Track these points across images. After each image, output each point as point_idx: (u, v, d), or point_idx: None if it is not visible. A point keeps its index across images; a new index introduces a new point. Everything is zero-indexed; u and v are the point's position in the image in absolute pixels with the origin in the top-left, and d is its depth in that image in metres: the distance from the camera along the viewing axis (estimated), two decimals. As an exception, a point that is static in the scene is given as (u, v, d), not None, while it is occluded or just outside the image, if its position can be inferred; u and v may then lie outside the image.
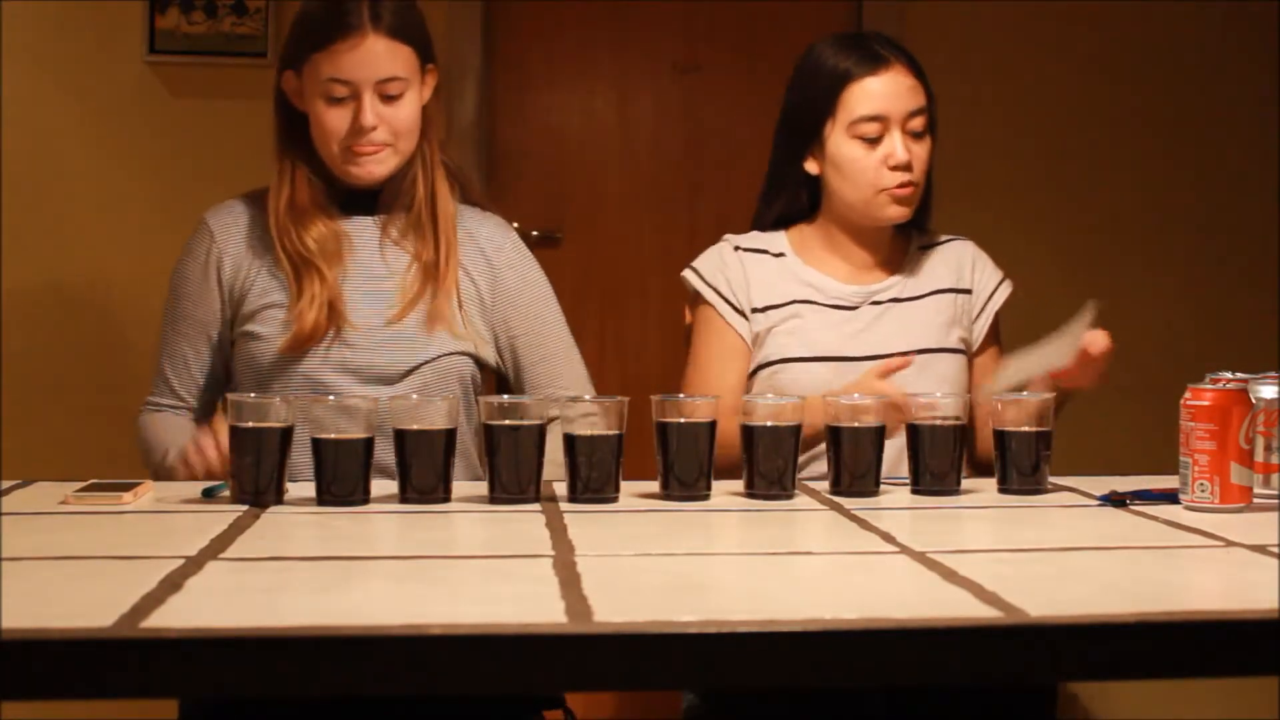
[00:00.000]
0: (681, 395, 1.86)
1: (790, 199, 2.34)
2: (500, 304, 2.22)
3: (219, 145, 3.42)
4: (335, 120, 2.07)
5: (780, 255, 2.32)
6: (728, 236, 2.36)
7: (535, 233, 3.71)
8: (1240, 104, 3.81)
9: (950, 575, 1.31)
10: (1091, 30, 3.79)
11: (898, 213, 2.26)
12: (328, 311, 2.09)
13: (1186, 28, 3.80)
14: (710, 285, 2.31)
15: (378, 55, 2.06)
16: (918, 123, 2.24)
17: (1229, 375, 1.77)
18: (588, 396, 2.10)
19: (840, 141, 2.24)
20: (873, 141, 2.22)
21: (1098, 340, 2.07)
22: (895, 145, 2.22)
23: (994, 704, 1.98)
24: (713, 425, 1.80)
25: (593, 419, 1.77)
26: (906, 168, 2.22)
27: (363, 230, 2.17)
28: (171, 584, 1.25)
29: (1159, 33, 3.80)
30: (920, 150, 2.25)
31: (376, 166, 2.11)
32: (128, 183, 3.53)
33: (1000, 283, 2.37)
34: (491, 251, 2.22)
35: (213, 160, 3.39)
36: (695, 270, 2.33)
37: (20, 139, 3.49)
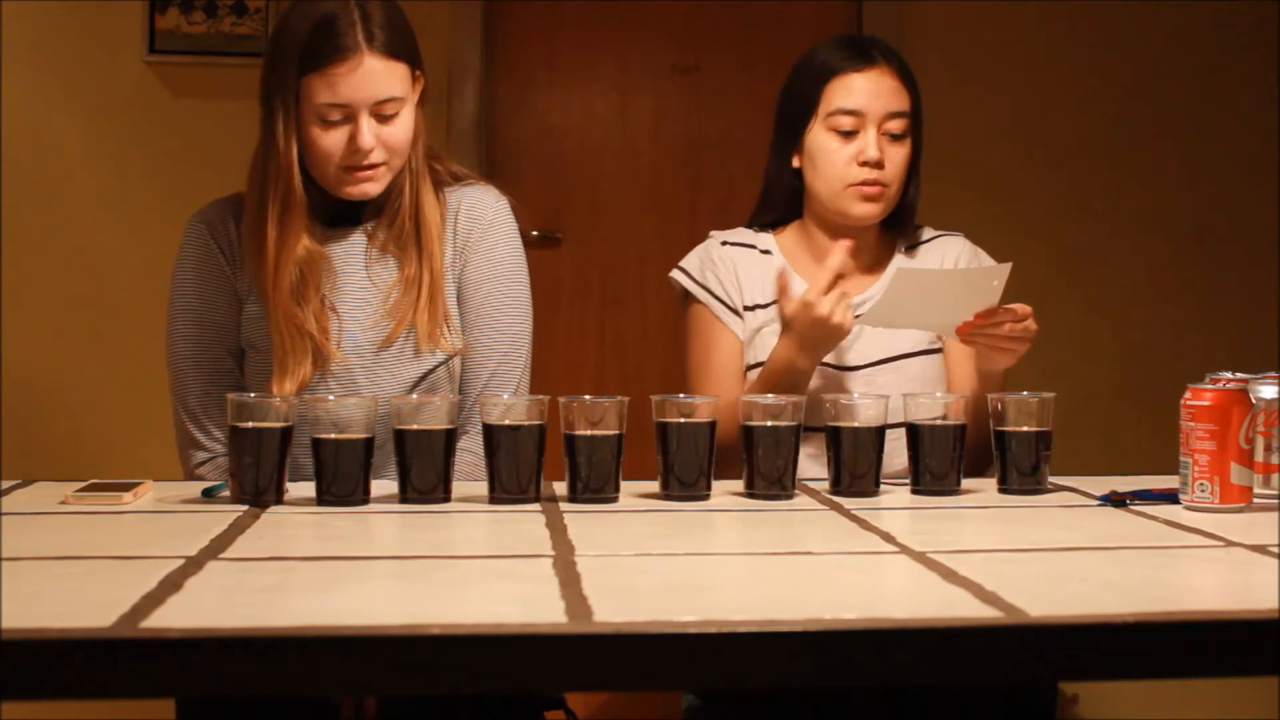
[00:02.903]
0: (682, 395, 1.86)
1: (785, 201, 2.33)
2: (464, 272, 2.17)
3: (219, 145, 3.41)
4: (330, 143, 2.03)
5: (767, 252, 2.32)
6: (714, 233, 2.35)
7: (535, 233, 3.71)
8: (1240, 104, 3.81)
9: (950, 575, 1.31)
10: (1091, 30, 3.79)
11: (864, 210, 2.24)
12: (312, 359, 2.07)
13: (1187, 27, 3.80)
14: (701, 285, 2.30)
15: (375, 77, 2.00)
16: (896, 125, 2.24)
17: (1229, 375, 1.77)
18: (506, 395, 2.09)
19: (818, 134, 2.25)
20: (847, 135, 2.23)
21: (1013, 311, 2.02)
22: (868, 142, 2.22)
23: (994, 704, 1.98)
24: (713, 425, 1.80)
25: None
26: (877, 165, 2.22)
27: (350, 246, 2.13)
28: (171, 584, 1.25)
29: (1159, 32, 3.80)
30: (896, 153, 2.24)
31: (372, 185, 2.07)
32: (128, 183, 3.53)
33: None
34: (472, 220, 2.16)
35: (213, 160, 3.39)
36: (684, 270, 2.33)
37: (20, 139, 3.50)
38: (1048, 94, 3.79)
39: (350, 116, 2.02)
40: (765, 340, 2.26)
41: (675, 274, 2.33)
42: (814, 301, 2.06)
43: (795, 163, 2.29)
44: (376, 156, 2.04)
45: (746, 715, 2.02)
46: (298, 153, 2.05)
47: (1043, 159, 3.79)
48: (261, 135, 2.08)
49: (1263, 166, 3.79)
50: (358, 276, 2.13)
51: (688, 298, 2.32)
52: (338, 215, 2.13)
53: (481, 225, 2.17)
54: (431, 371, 2.12)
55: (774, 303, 2.26)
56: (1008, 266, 2.09)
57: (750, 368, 2.26)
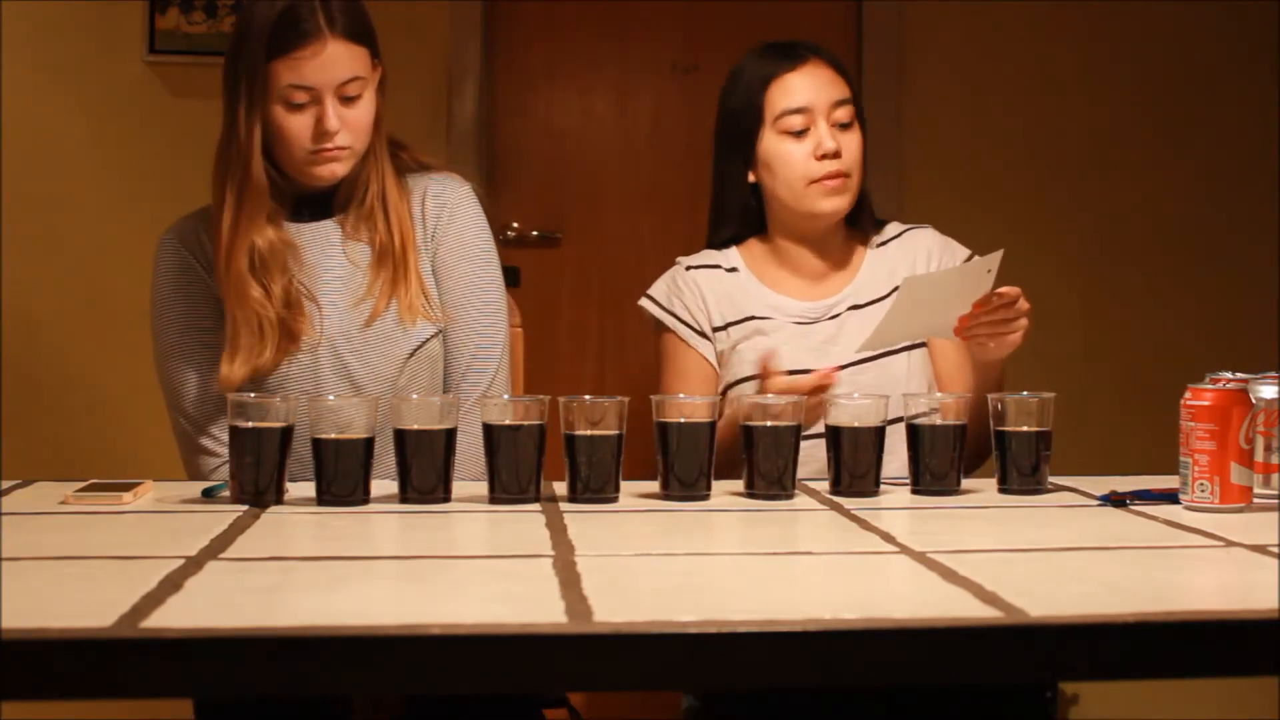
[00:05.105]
0: (681, 395, 1.86)
1: (739, 217, 2.33)
2: (435, 256, 2.19)
3: (219, 145, 3.42)
4: (297, 127, 2.07)
5: (733, 270, 2.32)
6: (679, 259, 2.36)
7: (535, 233, 3.71)
8: (1240, 104, 3.81)
9: (950, 575, 1.31)
10: (1091, 31, 3.79)
11: (832, 204, 2.25)
12: (278, 344, 2.08)
13: (1187, 28, 3.80)
14: (668, 311, 2.31)
15: (338, 59, 2.05)
16: (842, 113, 2.25)
17: (1229, 375, 1.77)
18: (507, 395, 2.13)
19: (769, 141, 2.26)
20: (799, 135, 2.24)
21: (1004, 294, 1.99)
22: (822, 135, 2.23)
23: (994, 704, 1.98)
24: (713, 425, 1.80)
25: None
26: (835, 156, 2.23)
27: (323, 234, 2.16)
28: (171, 584, 1.25)
29: (1159, 33, 3.80)
30: (849, 140, 2.25)
31: (339, 166, 2.11)
32: (128, 183, 3.53)
33: (965, 262, 2.31)
34: (440, 206, 2.19)
35: (213, 160, 3.40)
36: (651, 298, 2.34)
37: (20, 139, 3.49)
38: (1047, 94, 3.79)
39: (315, 99, 2.06)
40: (743, 356, 2.26)
41: (644, 302, 2.35)
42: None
43: (750, 177, 2.30)
44: (342, 140, 2.09)
45: (746, 715, 2.03)
46: (262, 141, 2.08)
47: (1042, 159, 3.79)
48: (223, 125, 2.11)
49: (1263, 168, 3.78)
50: (335, 264, 2.16)
51: (658, 324, 2.33)
52: (308, 207, 2.16)
53: (449, 211, 2.20)
54: (421, 346, 2.14)
55: (749, 319, 2.26)
56: (999, 254, 2.09)
57: (729, 385, 2.26)
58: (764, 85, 2.26)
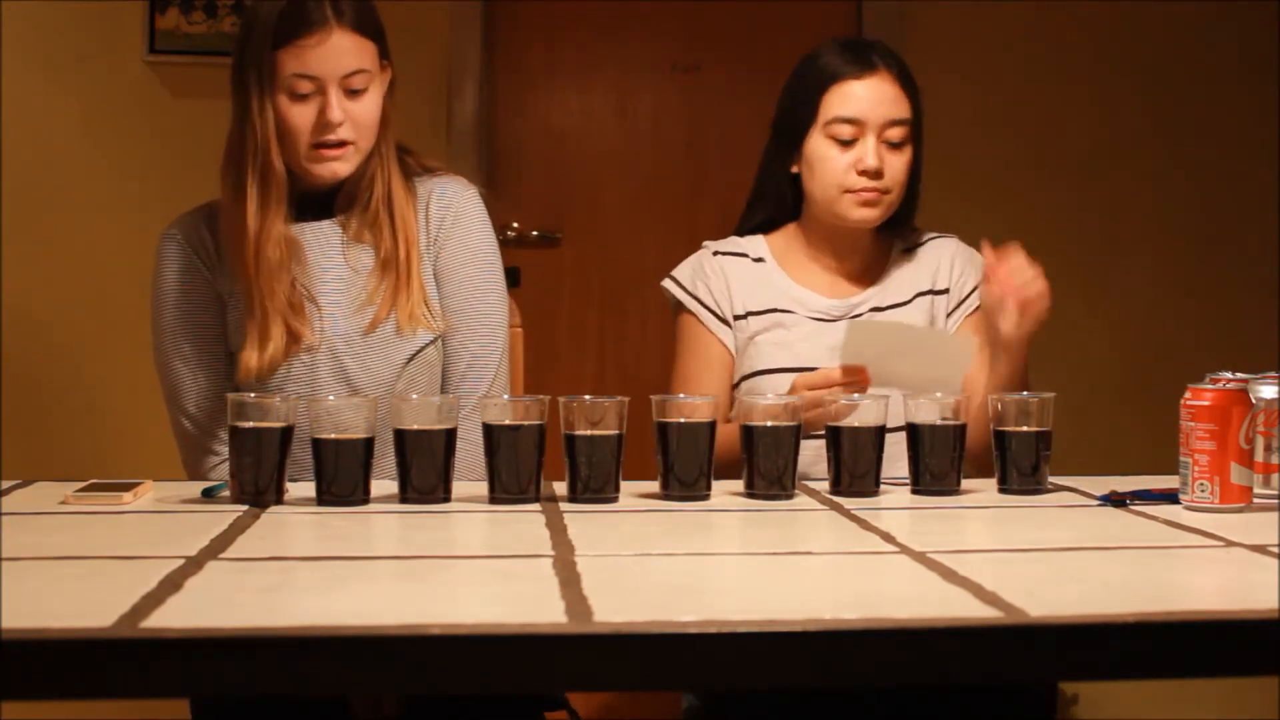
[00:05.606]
0: (681, 395, 1.86)
1: (776, 203, 2.33)
2: (439, 259, 2.19)
3: (219, 145, 3.40)
4: (300, 117, 2.07)
5: (759, 260, 2.32)
6: (706, 243, 2.36)
7: (535, 233, 3.71)
8: (1240, 104, 3.81)
9: (950, 575, 1.31)
10: (1091, 31, 3.79)
11: (863, 214, 2.24)
12: (285, 343, 2.09)
13: (1187, 28, 3.80)
14: (691, 294, 2.30)
15: (343, 50, 2.05)
16: (896, 133, 2.23)
17: (1229, 375, 1.77)
18: (506, 396, 2.14)
19: (817, 141, 2.25)
20: (847, 144, 2.23)
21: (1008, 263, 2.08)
22: (867, 150, 2.21)
23: (994, 704, 1.98)
24: (713, 425, 1.80)
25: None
26: (876, 175, 2.22)
27: (324, 235, 2.16)
28: (171, 584, 1.25)
29: (1159, 33, 3.80)
30: (895, 160, 2.24)
31: (341, 165, 2.10)
32: (128, 183, 3.53)
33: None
34: (444, 209, 2.19)
35: (213, 160, 3.39)
36: (675, 279, 2.33)
37: (20, 139, 3.50)
38: (1048, 94, 3.79)
39: (320, 90, 2.06)
40: (760, 349, 2.25)
41: (666, 283, 2.34)
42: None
43: (794, 169, 2.29)
44: (345, 133, 2.08)
45: (746, 715, 2.03)
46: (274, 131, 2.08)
47: (1043, 159, 3.79)
48: (234, 118, 2.12)
49: (1263, 167, 3.79)
50: (335, 265, 2.16)
51: (679, 307, 2.32)
52: (309, 206, 2.16)
53: (454, 214, 2.20)
54: (421, 351, 2.14)
55: (771, 311, 2.26)
56: (974, 345, 2.09)
57: (745, 377, 2.26)
58: (824, 86, 2.24)
